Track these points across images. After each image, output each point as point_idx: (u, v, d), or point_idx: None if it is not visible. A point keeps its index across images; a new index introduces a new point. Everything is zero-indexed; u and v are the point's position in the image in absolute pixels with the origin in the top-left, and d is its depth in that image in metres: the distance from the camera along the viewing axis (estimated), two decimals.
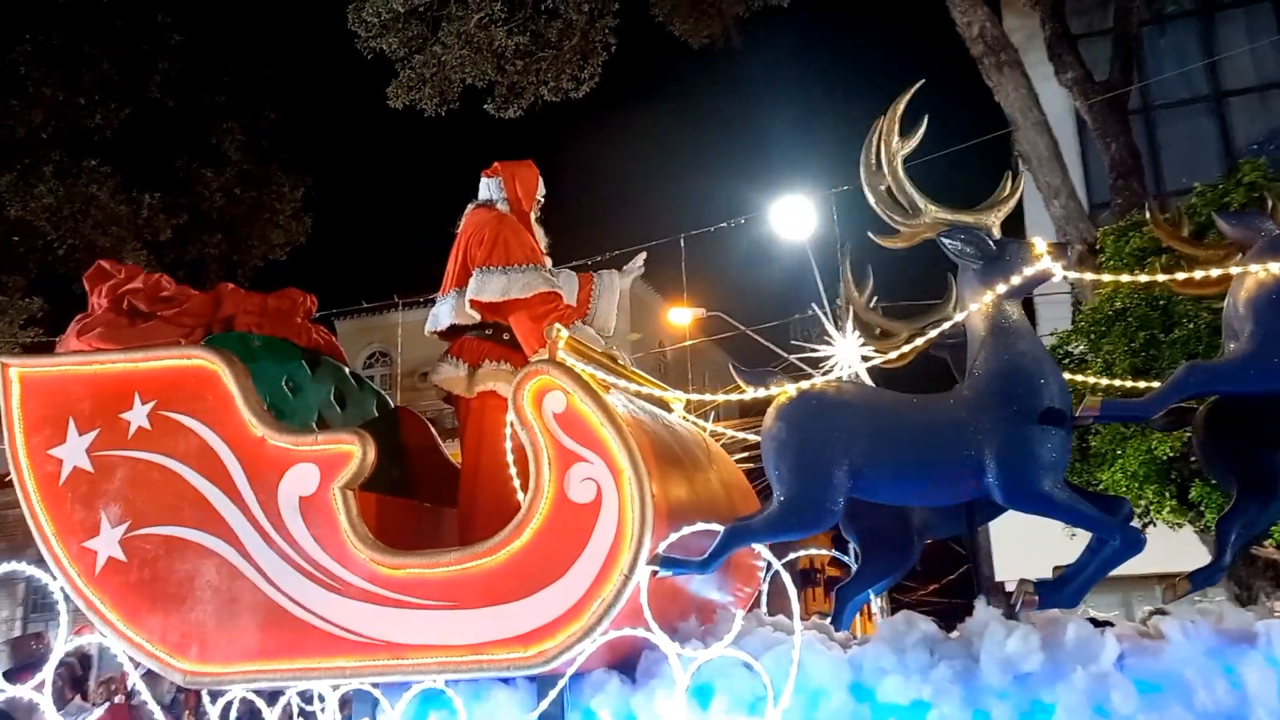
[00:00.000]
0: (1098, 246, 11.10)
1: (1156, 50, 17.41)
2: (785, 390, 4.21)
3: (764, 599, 5.18)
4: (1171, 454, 9.29)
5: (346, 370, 5.53)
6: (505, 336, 5.14)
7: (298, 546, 4.54)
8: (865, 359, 5.74)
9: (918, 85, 4.25)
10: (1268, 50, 16.73)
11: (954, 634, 4.20)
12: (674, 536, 4.12)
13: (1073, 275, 4.16)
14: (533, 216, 5.45)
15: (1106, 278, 4.41)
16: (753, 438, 5.92)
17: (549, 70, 16.74)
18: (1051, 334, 10.86)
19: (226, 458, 4.70)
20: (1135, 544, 3.98)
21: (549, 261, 5.36)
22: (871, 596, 5.00)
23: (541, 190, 5.59)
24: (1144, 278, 4.66)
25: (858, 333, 5.20)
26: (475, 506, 4.94)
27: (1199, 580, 4.50)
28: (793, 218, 15.63)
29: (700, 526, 4.15)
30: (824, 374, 4.35)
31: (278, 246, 20.33)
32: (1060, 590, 4.12)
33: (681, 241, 19.29)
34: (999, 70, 13.01)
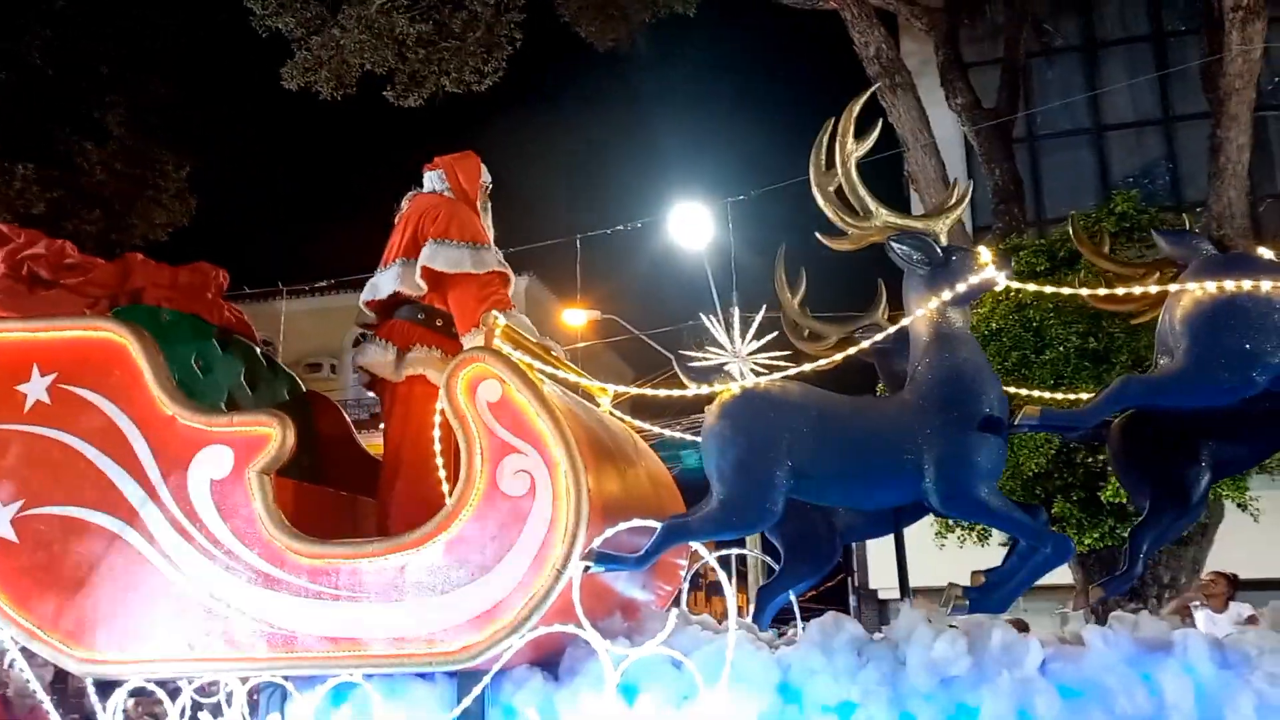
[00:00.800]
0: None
1: (1043, 82, 18.08)
2: (728, 387, 4.19)
3: (684, 597, 5.15)
4: (1037, 470, 9.65)
5: (258, 350, 5.33)
6: (438, 322, 5.01)
7: (208, 532, 4.34)
8: (755, 370, 5.77)
9: (873, 89, 4.28)
10: (1145, 87, 17.45)
11: (878, 636, 4.22)
12: (610, 532, 4.05)
13: (1015, 285, 4.22)
14: (480, 205, 5.32)
15: (1049, 290, 4.44)
16: (676, 434, 5.92)
17: (451, 61, 16.54)
18: None
19: (133, 436, 4.47)
20: (1065, 551, 4.06)
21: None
22: (791, 597, 5.00)
23: (486, 177, 5.48)
24: (1085, 290, 4.73)
25: (746, 340, 5.21)
26: (397, 496, 4.80)
27: (1111, 588, 4.63)
28: (690, 224, 15.76)
29: (636, 522, 4.09)
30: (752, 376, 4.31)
31: (159, 226, 19.65)
32: (989, 595, 4.18)
33: (578, 242, 19.27)
34: (893, 92, 13.35)
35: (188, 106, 20.27)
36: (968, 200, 4.34)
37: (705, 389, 4.28)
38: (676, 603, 5.12)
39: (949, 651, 3.89)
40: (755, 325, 8.08)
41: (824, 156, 4.29)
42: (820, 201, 4.29)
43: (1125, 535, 9.68)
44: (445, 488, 4.41)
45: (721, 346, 7.80)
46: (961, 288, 4.13)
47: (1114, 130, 17.93)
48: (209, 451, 4.39)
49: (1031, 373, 9.75)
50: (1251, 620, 7.18)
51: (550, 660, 4.35)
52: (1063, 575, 10.44)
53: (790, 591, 4.97)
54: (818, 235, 4.37)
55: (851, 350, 4.48)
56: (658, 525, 4.08)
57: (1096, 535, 9.98)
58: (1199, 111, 13.04)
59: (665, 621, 4.13)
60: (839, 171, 4.21)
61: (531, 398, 4.17)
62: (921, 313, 4.17)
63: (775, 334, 7.66)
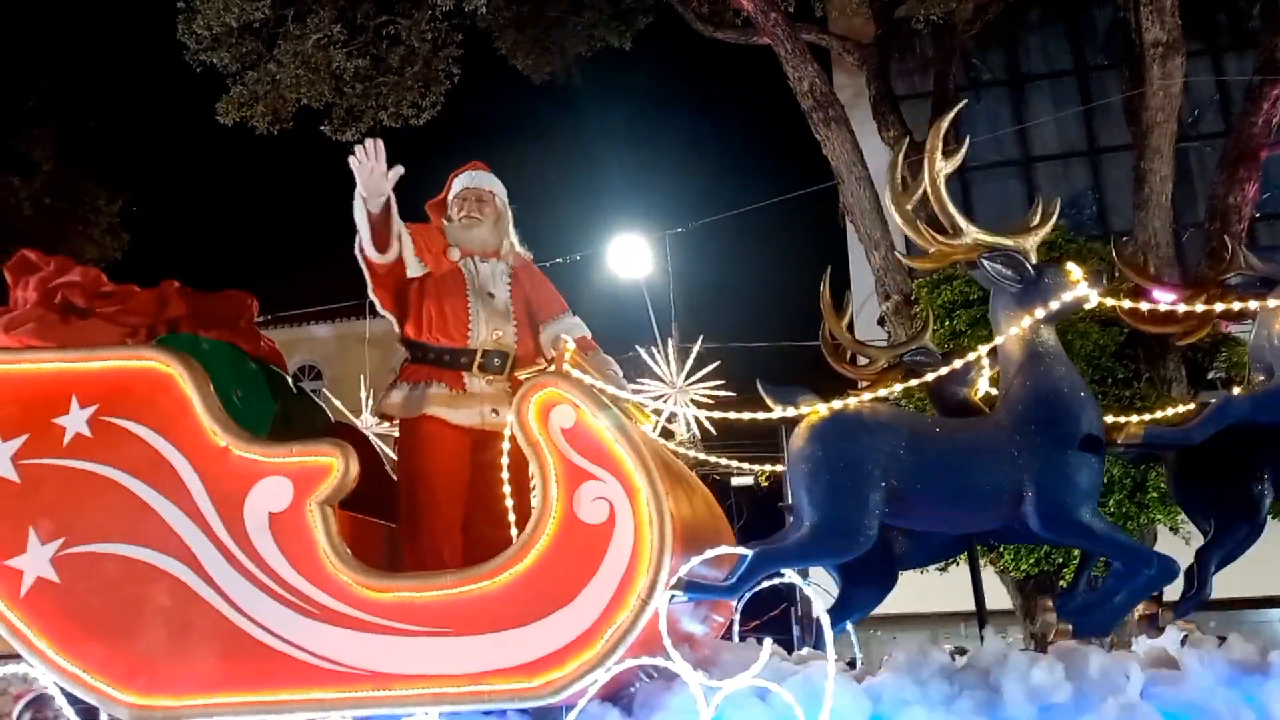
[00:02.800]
0: (914, 298, 11.65)
1: (973, 114, 18.32)
2: (816, 409, 4.10)
3: (735, 628, 5.03)
4: None
5: (290, 382, 5.16)
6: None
7: (266, 567, 4.16)
8: (696, 402, 5.71)
9: (960, 105, 4.24)
10: (1070, 120, 17.79)
11: (958, 663, 4.13)
12: (696, 560, 3.94)
13: (1110, 301, 4.18)
14: (448, 217, 5.06)
15: (1127, 304, 4.37)
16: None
17: (389, 96, 16.60)
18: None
19: (182, 469, 4.28)
20: (1170, 572, 4.00)
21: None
22: (848, 626, 4.90)
23: (457, 187, 5.11)
24: (1163, 305, 4.68)
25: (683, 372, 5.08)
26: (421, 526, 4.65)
27: (1180, 610, 4.58)
28: (628, 256, 15.77)
29: (725, 550, 3.98)
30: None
31: (89, 261, 19.21)
32: (1089, 617, 4.10)
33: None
34: (827, 125, 13.53)
35: (119, 140, 19.98)
36: (1055, 217, 4.29)
37: (790, 411, 4.18)
38: (728, 634, 5.00)
39: (1048, 678, 3.80)
40: (693, 357, 8.04)
41: (900, 177, 4.23)
42: (899, 221, 4.24)
43: (1059, 560, 9.81)
44: (511, 517, 4.26)
45: (659, 378, 7.79)
46: (1054, 305, 4.08)
47: (1041, 161, 18.31)
48: (266, 483, 4.22)
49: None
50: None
51: (617, 695, 4.22)
52: (1001, 600, 10.48)
53: (848, 620, 4.86)
54: (899, 256, 4.31)
55: (945, 370, 4.39)
56: (747, 552, 3.97)
57: (1032, 561, 10.09)
58: (1123, 143, 13.32)
59: (748, 652, 4.03)
60: (928, 189, 4.16)
61: (608, 422, 4.04)
62: (1014, 331, 4.11)
63: (716, 364, 7.62)
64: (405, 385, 4.73)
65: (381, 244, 4.60)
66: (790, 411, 4.20)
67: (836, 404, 4.12)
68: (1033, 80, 18.24)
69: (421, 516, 4.58)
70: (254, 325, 5.05)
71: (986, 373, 4.54)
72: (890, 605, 5.02)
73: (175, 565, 4.21)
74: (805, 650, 4.58)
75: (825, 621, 3.90)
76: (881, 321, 14.23)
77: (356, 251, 4.71)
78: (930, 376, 4.33)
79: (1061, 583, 10.14)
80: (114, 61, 19.36)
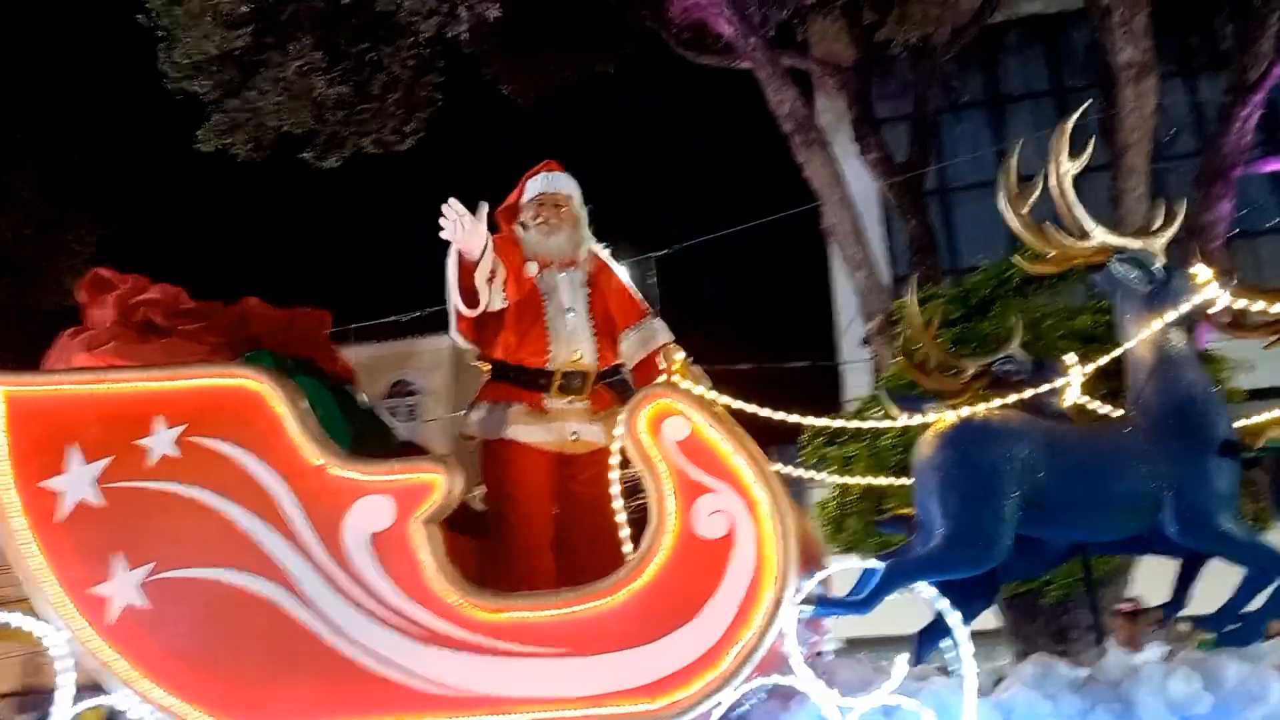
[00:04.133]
0: (894, 317, 11.77)
1: (952, 136, 18.57)
2: (942, 417, 4.04)
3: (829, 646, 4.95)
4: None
5: (361, 399, 5.03)
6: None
7: (368, 589, 4.04)
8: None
9: (1086, 105, 4.24)
10: (1048, 141, 18.01)
11: (1082, 675, 4.07)
12: (821, 574, 3.86)
13: (1240, 302, 4.16)
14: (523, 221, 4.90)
15: (1259, 305, 4.29)
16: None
17: (371, 122, 16.54)
18: (853, 399, 11.33)
19: (276, 489, 4.15)
20: None
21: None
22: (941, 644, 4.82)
23: (530, 192, 4.92)
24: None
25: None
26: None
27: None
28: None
29: (855, 563, 3.91)
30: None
31: (71, 291, 18.88)
32: (1237, 629, 4.06)
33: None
34: (807, 147, 13.68)
35: (103, 171, 19.73)
36: (1180, 219, 4.28)
37: (916, 419, 4.12)
38: (820, 654, 4.92)
39: (1186, 689, 3.75)
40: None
41: (1014, 179, 4.21)
42: (1016, 225, 4.22)
43: (1046, 579, 9.83)
44: (625, 532, 4.16)
45: None
46: (1185, 307, 4.06)
47: (1022, 182, 18.50)
48: (367, 502, 4.09)
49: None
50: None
51: (724, 716, 4.12)
52: (985, 621, 10.48)
53: (942, 638, 4.78)
54: (1015, 259, 4.27)
55: (1054, 383, 4.26)
56: (878, 566, 3.90)
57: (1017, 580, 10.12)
58: (1099, 164, 13.47)
59: (860, 669, 3.95)
60: (1054, 191, 4.14)
61: (724, 434, 3.96)
62: (1145, 334, 4.08)
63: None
64: (485, 405, 4.63)
65: (472, 301, 4.48)
66: (917, 419, 4.14)
67: (965, 411, 4.07)
68: (1011, 102, 18.48)
69: (509, 537, 4.48)
70: (330, 342, 4.92)
71: (1078, 380, 4.49)
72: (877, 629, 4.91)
73: (271, 588, 4.08)
74: (916, 666, 4.49)
75: (963, 634, 3.82)
76: (866, 342, 14.30)
77: (451, 313, 4.64)
78: (1029, 393, 4.23)
79: (1044, 600, 10.15)
80: (94, 91, 19.18)
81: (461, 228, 4.29)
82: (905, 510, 5.07)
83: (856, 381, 14.71)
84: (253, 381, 4.22)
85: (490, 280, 4.48)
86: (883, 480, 5.84)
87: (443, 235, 4.37)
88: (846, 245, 13.90)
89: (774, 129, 14.19)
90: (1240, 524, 3.96)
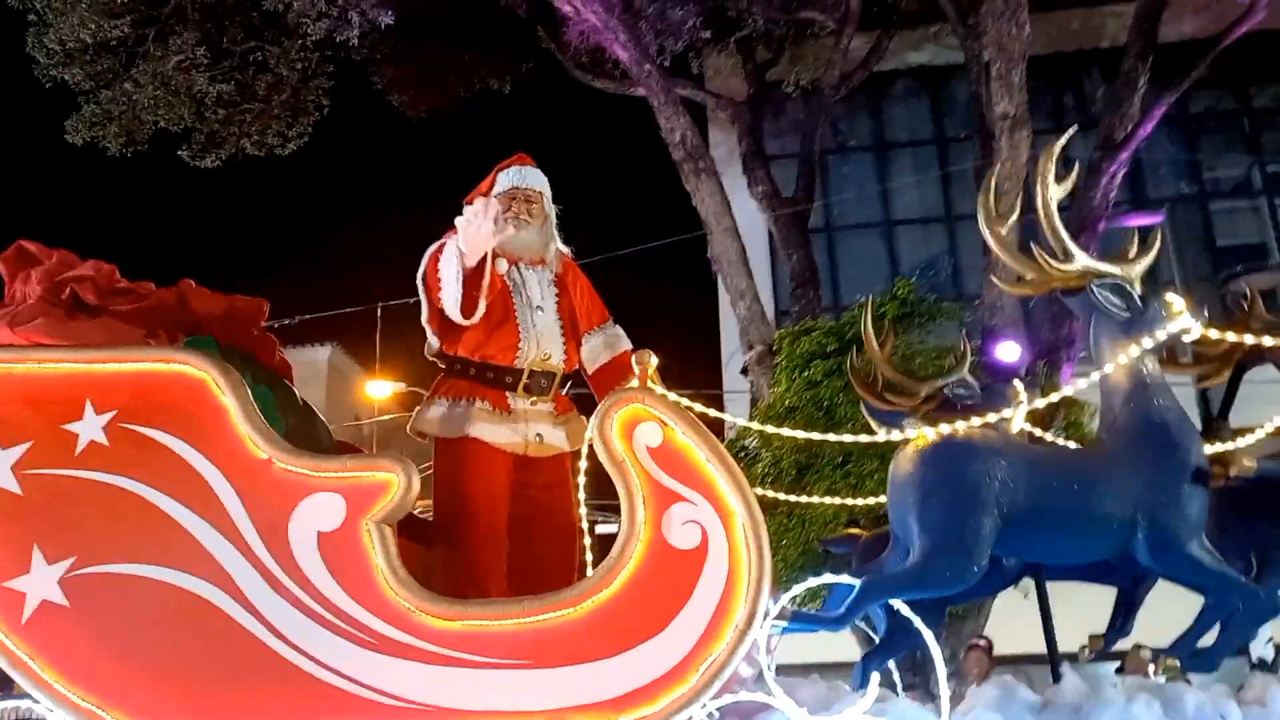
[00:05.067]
0: (775, 348, 12.04)
1: (839, 177, 19.01)
2: (922, 433, 4.01)
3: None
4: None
5: (298, 396, 4.79)
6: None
7: (315, 592, 3.80)
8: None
9: (1071, 131, 4.28)
10: (929, 187, 18.62)
11: (1042, 699, 4.08)
12: (796, 589, 3.78)
13: (1214, 334, 4.24)
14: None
15: (1231, 337, 4.36)
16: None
17: (254, 124, 16.14)
18: (730, 428, 11.50)
19: (216, 483, 3.89)
20: (1275, 608, 4.04)
21: None
22: (891, 665, 4.80)
23: (501, 185, 4.69)
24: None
25: None
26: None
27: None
28: None
29: (829, 578, 3.84)
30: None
31: None
32: (1199, 654, 4.10)
33: (379, 311, 18.68)
34: (696, 176, 13.89)
35: None
36: (1155, 249, 4.35)
37: (895, 434, 4.08)
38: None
39: (1146, 714, 3.78)
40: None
41: (993, 202, 4.23)
42: (996, 247, 4.23)
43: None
44: (587, 541, 4.02)
45: None
46: (1160, 334, 4.12)
47: (902, 225, 19.04)
48: (315, 500, 3.86)
49: (822, 450, 10.24)
50: None
51: None
52: (845, 651, 10.66)
53: (890, 659, 4.77)
54: (993, 279, 4.29)
55: (981, 421, 4.23)
56: (854, 582, 3.83)
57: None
58: (975, 211, 13.95)
59: (812, 690, 3.88)
60: (1040, 213, 4.17)
61: (698, 441, 3.85)
62: (1123, 360, 4.12)
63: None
64: (445, 401, 4.43)
65: (470, 309, 4.26)
66: (896, 435, 4.11)
67: (945, 428, 4.05)
68: (896, 147, 18.96)
69: (461, 542, 4.28)
70: (268, 333, 4.67)
71: (1024, 408, 4.54)
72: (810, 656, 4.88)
73: (207, 588, 3.82)
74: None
75: (936, 652, 3.79)
76: (745, 371, 14.45)
77: (428, 304, 4.45)
78: (1009, 413, 4.25)
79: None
80: None
81: (479, 226, 4.10)
82: (854, 530, 5.05)
83: (737, 410, 14.86)
84: (195, 368, 3.96)
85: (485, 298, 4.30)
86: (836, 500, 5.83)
87: (459, 222, 4.17)
88: (731, 275, 14.10)
89: (666, 155, 14.30)
90: (1208, 551, 4.02)
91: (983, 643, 9.74)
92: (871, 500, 7.21)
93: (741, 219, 14.29)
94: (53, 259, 4.23)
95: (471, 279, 4.20)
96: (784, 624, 3.74)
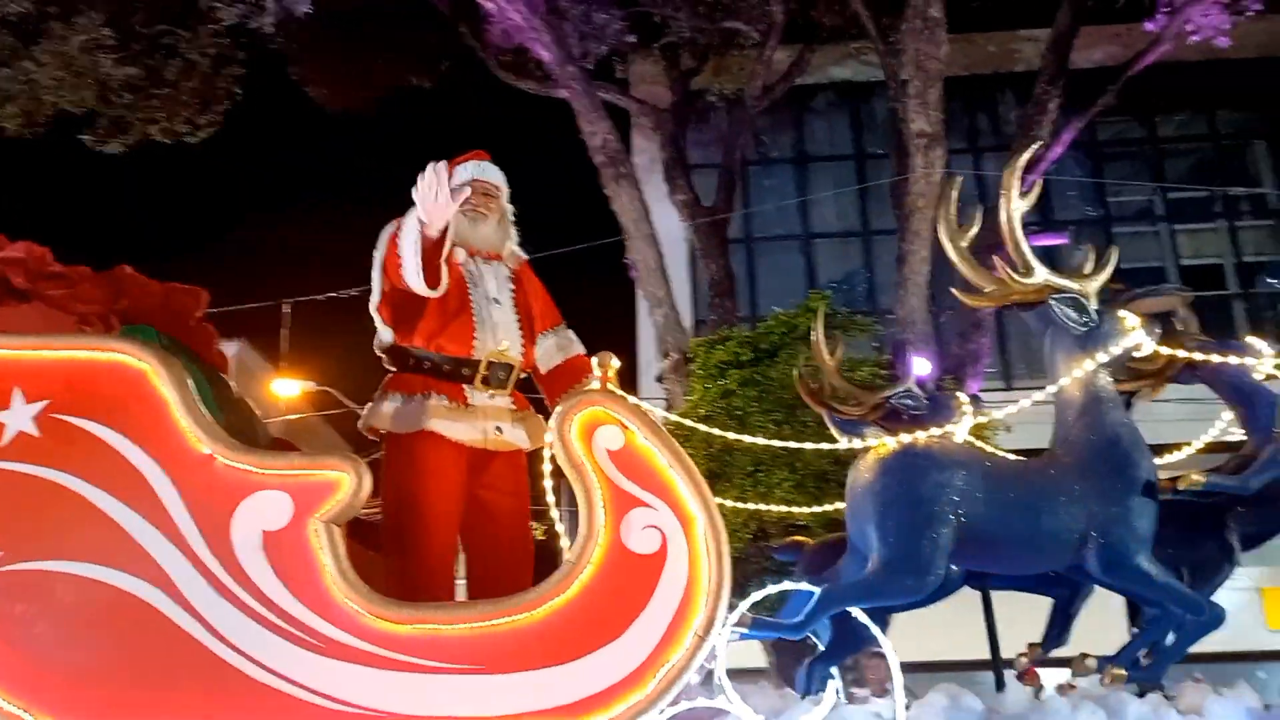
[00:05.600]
0: (690, 356, 12.10)
1: (760, 189, 19.12)
2: (883, 442, 3.99)
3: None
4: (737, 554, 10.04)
5: (234, 389, 4.62)
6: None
7: (258, 592, 3.66)
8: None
9: (1036, 145, 4.30)
10: (848, 202, 18.84)
11: (987, 706, 4.09)
12: (757, 595, 3.73)
13: (1165, 351, 4.28)
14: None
15: (1181, 354, 4.40)
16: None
17: (161, 109, 15.65)
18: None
19: (154, 478, 3.73)
20: (1218, 618, 4.09)
21: None
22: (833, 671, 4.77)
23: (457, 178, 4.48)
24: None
25: None
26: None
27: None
28: None
29: (788, 585, 3.80)
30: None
31: None
32: (1146, 666, 4.14)
33: (287, 308, 18.27)
34: (616, 182, 13.88)
35: None
36: (1112, 265, 4.38)
37: (856, 443, 4.06)
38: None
39: None
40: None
41: (953, 215, 4.24)
42: (955, 258, 4.23)
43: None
44: (565, 543, 3.93)
45: None
46: (1115, 349, 4.15)
47: (820, 238, 19.21)
48: (260, 498, 3.72)
49: (734, 459, 10.26)
50: None
51: None
52: (753, 659, 10.76)
53: (834, 665, 4.74)
54: (954, 291, 4.29)
55: (941, 431, 4.26)
56: (812, 589, 3.80)
57: None
58: (892, 228, 14.18)
59: (763, 698, 3.84)
60: (1004, 227, 4.17)
61: (659, 445, 3.79)
62: (1079, 374, 4.14)
63: None
64: (398, 396, 4.29)
65: (434, 279, 4.14)
66: (857, 443, 4.08)
67: (905, 438, 4.03)
68: (816, 161, 19.11)
69: (412, 543, 4.15)
70: (205, 323, 4.49)
71: (969, 421, 4.56)
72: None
73: (143, 587, 3.66)
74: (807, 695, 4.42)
75: (894, 661, 3.77)
76: (660, 379, 14.43)
77: (376, 291, 4.34)
78: (961, 425, 4.26)
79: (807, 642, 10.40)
80: None
81: (435, 195, 3.99)
82: (800, 538, 5.03)
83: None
84: (133, 358, 3.79)
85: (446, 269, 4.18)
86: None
87: (416, 194, 4.05)
88: (649, 282, 14.06)
89: (588, 160, 14.21)
90: (1156, 565, 4.06)
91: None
92: (779, 509, 7.28)
93: (661, 226, 14.27)
94: None
95: (433, 250, 4.10)
96: (743, 630, 3.68)
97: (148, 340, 3.92)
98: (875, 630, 3.82)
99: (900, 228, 12.85)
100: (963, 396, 4.64)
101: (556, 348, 4.59)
